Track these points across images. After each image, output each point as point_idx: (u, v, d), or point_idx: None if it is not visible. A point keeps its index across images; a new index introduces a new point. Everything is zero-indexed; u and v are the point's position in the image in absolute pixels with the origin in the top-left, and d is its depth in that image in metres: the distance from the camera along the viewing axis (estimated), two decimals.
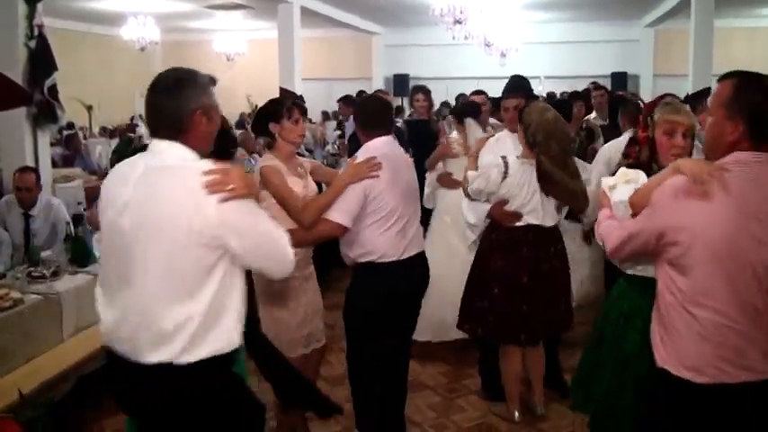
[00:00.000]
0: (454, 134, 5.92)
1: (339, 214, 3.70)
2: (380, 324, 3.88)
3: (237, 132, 12.16)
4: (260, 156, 9.75)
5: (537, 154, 4.27)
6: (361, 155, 3.82)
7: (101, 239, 2.62)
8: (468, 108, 6.08)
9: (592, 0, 14.33)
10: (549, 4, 14.65)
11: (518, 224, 4.40)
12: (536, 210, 4.37)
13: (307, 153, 9.42)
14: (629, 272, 3.24)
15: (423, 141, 6.59)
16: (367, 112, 4.06)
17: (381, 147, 3.87)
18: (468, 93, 10.95)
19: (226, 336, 2.41)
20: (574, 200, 4.40)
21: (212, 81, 2.55)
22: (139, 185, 2.37)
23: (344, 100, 10.77)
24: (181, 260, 2.32)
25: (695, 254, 2.32)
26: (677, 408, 2.43)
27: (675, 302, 2.40)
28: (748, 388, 2.31)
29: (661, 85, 16.26)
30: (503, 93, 5.08)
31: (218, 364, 2.41)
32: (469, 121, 5.86)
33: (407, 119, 7.72)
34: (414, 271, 3.98)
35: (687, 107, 3.49)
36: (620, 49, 17.66)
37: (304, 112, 4.23)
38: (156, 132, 2.46)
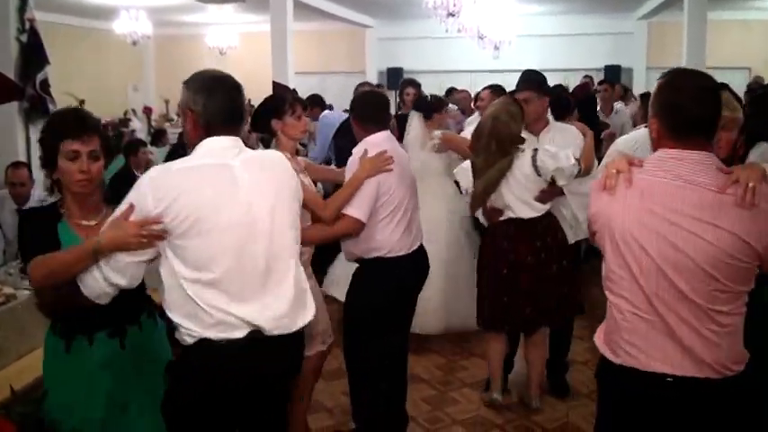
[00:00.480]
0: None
1: (357, 210, 3.75)
2: (387, 319, 3.92)
3: None
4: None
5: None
6: (367, 150, 3.83)
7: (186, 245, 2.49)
8: (420, 103, 6.21)
9: None
10: None
11: (501, 218, 4.48)
12: (508, 204, 4.44)
13: (301, 148, 9.37)
14: None
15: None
16: (365, 107, 4.07)
17: (381, 142, 3.89)
18: (459, 87, 10.98)
19: None
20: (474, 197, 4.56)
21: None
22: (251, 178, 2.60)
23: (311, 100, 10.38)
24: (295, 225, 2.74)
25: (603, 243, 2.45)
26: (602, 383, 2.58)
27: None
28: (666, 379, 2.33)
29: (654, 77, 16.12)
30: (515, 87, 5.09)
31: None
32: (412, 114, 6.13)
33: (397, 113, 7.68)
34: (419, 263, 4.10)
35: (732, 99, 3.23)
36: (614, 41, 17.64)
37: (305, 107, 4.21)
38: (231, 129, 2.66)
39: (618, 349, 2.42)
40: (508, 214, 4.46)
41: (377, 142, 3.88)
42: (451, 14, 11.60)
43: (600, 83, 10.77)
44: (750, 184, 2.19)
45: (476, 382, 5.16)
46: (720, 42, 15.29)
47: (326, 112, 9.67)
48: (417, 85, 7.52)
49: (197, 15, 16.90)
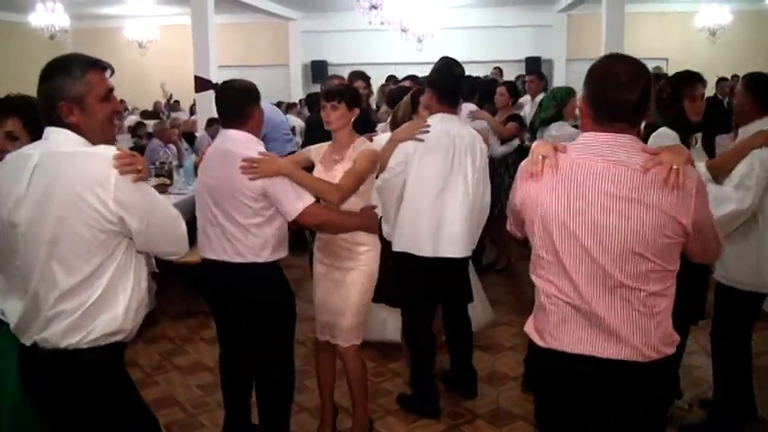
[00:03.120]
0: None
1: None
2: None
3: (151, 123, 11.90)
4: (175, 145, 9.57)
5: None
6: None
7: None
8: (394, 96, 6.28)
9: None
10: None
11: None
12: None
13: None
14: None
15: (363, 131, 6.51)
16: (217, 102, 3.78)
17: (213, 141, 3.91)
18: (383, 79, 10.94)
19: None
20: None
21: None
22: None
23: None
24: None
25: (532, 229, 2.47)
26: (530, 367, 2.73)
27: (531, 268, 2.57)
28: (591, 361, 2.38)
29: (574, 69, 16.61)
30: None
31: None
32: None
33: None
34: (208, 277, 3.81)
35: None
36: (535, 34, 17.95)
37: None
38: None
39: (545, 334, 2.47)
40: None
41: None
42: (374, 7, 11.64)
43: (528, 73, 10.91)
44: (674, 167, 2.24)
45: (407, 372, 5.17)
46: (639, 34, 15.72)
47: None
48: (366, 78, 7.33)
49: (115, 8, 16.54)
